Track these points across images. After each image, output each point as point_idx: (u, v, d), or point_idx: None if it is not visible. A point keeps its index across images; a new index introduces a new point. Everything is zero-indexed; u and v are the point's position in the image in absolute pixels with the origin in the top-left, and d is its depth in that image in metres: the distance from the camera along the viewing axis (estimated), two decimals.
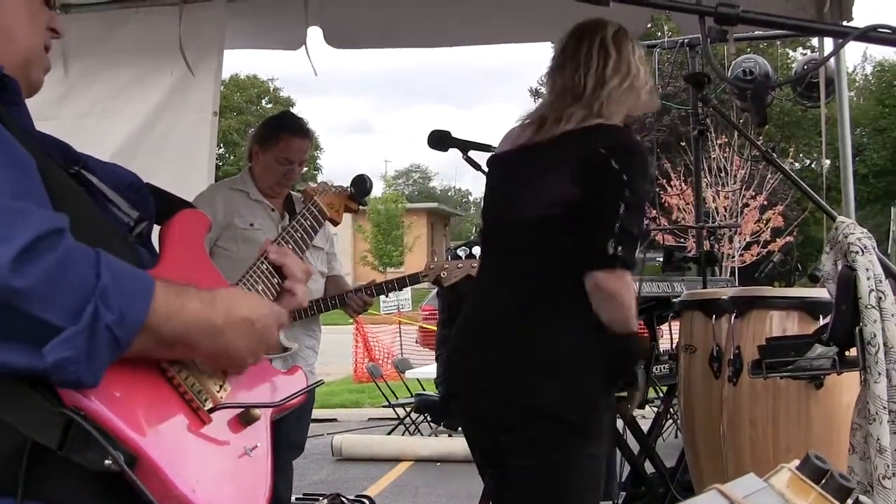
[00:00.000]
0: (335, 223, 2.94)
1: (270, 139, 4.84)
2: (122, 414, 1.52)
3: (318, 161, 64.82)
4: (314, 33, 5.48)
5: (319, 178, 60.59)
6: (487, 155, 4.62)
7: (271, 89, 61.47)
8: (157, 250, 1.88)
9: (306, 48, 5.43)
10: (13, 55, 1.78)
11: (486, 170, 3.49)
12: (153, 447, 1.54)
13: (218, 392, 1.74)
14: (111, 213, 1.85)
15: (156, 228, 1.97)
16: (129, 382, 1.57)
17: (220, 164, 42.12)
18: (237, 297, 1.73)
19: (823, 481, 1.25)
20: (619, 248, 2.94)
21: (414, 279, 5.17)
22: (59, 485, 1.50)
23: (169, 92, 5.32)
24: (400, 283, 5.19)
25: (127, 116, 5.28)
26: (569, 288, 3.02)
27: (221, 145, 47.02)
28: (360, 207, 3.04)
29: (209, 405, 1.71)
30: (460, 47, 5.86)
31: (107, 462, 1.46)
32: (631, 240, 2.99)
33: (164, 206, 2.05)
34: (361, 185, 2.99)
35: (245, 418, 1.79)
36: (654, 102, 3.30)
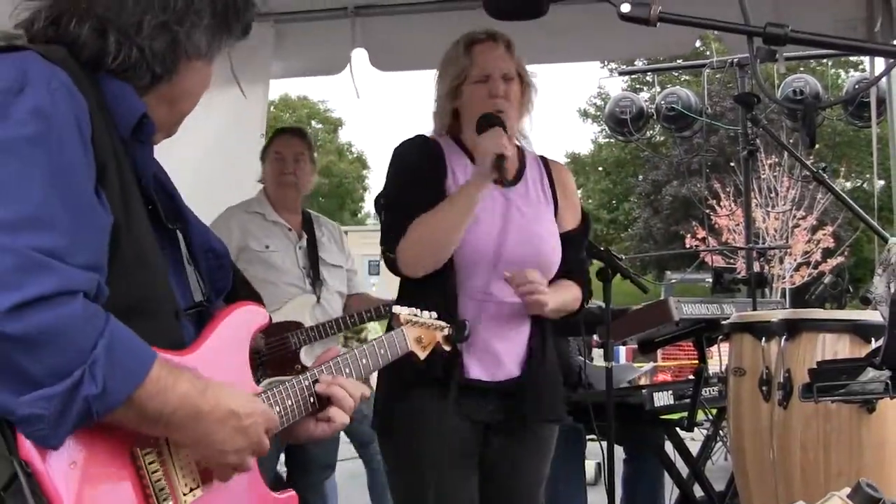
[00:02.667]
0: (416, 359, 2.60)
1: (266, 146, 5.08)
2: (68, 487, 1.51)
3: (366, 181, 65.10)
4: (360, 55, 5.54)
5: (367, 197, 60.97)
6: None
7: (322, 110, 61.95)
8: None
9: (351, 69, 5.49)
10: (174, 115, 1.95)
11: None
12: None
13: (185, 495, 1.70)
14: (182, 282, 1.89)
15: None
16: (94, 457, 1.56)
17: None
18: (230, 390, 1.74)
19: None
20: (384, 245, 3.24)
21: None
22: None
23: (223, 115, 5.40)
24: None
25: (185, 140, 5.37)
26: None
27: None
28: (454, 349, 2.81)
29: None
30: None
31: None
32: (389, 225, 3.27)
33: (237, 288, 2.07)
34: (462, 330, 2.76)
35: None
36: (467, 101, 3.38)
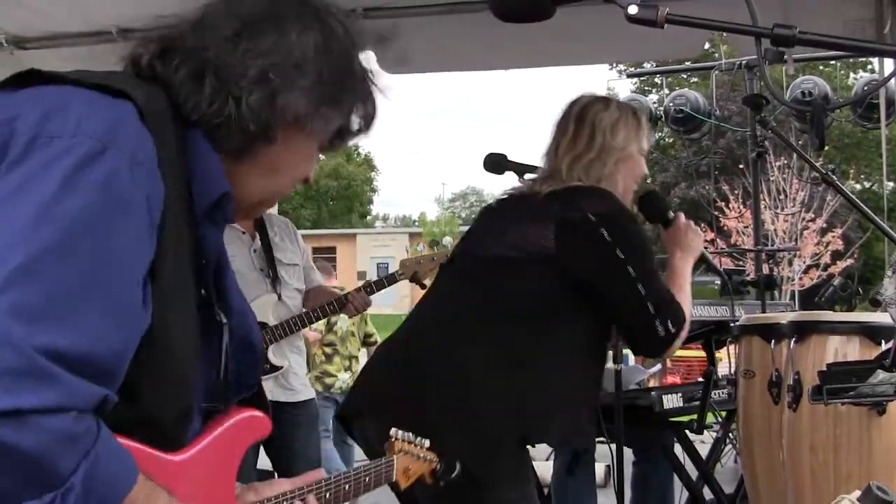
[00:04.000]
0: (396, 490, 2.53)
1: None
2: None
3: (374, 182, 65.16)
4: (368, 57, 5.56)
5: (375, 199, 61.03)
6: None
7: None
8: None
9: None
10: (266, 189, 1.79)
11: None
12: None
13: None
14: (208, 377, 1.77)
15: None
16: None
17: None
18: None
19: None
20: (668, 325, 3.07)
21: (391, 279, 5.23)
22: None
23: None
24: (378, 285, 5.23)
25: None
26: (501, 327, 3.04)
27: None
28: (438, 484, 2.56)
29: None
30: (517, 70, 5.92)
31: None
32: (667, 304, 3.11)
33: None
34: (451, 469, 2.54)
35: None
36: (632, 169, 3.34)
